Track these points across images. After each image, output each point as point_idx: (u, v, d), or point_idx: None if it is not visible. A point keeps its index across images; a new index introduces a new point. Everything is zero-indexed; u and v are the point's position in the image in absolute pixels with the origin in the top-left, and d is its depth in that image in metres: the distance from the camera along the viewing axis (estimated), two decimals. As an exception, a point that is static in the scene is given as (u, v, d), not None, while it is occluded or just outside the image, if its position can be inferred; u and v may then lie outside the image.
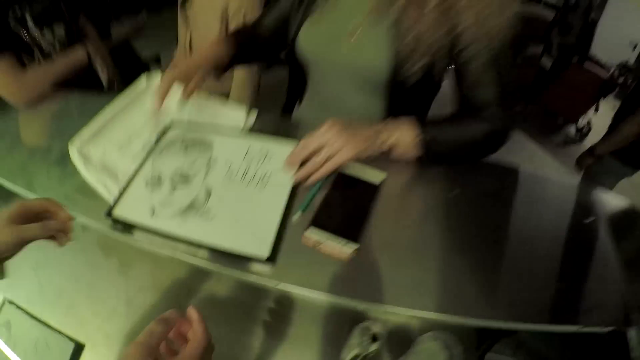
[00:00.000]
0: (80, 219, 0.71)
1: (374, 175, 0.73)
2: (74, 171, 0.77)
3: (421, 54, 0.70)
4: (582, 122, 4.04)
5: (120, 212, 0.67)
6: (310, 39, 0.85)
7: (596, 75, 3.89)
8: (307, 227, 0.62)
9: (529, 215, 0.76)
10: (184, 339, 0.46)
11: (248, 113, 0.88)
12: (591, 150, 2.10)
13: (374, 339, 0.66)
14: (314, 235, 0.61)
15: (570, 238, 0.72)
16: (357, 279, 0.59)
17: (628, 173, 2.07)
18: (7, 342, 0.75)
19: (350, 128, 0.70)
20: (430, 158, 0.76)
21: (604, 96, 3.91)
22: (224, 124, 0.86)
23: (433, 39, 0.69)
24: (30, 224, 0.55)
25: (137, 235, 0.66)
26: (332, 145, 0.67)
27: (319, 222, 0.63)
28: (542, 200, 0.82)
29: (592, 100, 3.95)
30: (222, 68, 0.90)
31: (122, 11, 2.31)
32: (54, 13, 1.37)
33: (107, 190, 0.71)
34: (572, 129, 4.15)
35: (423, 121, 0.75)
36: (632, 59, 4.07)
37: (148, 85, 0.93)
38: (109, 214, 0.67)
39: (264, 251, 0.60)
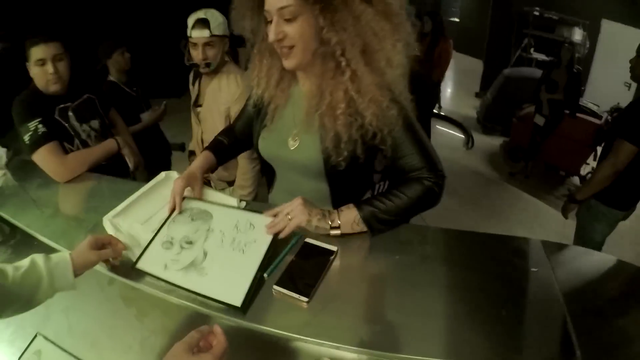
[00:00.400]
0: (107, 273, 0.95)
1: (330, 246, 0.95)
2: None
3: (342, 147, 0.94)
4: (584, 171, 4.09)
5: (141, 265, 0.92)
6: (265, 145, 1.11)
7: (590, 124, 3.98)
8: (274, 285, 0.84)
9: (471, 271, 0.92)
10: (210, 345, 0.65)
11: (239, 202, 1.14)
12: (571, 197, 2.12)
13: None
14: (278, 290, 0.84)
15: (510, 288, 0.87)
16: (314, 323, 0.79)
17: (619, 217, 2.05)
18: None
19: (309, 204, 0.97)
20: (375, 229, 0.97)
21: (600, 143, 3.86)
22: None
23: (348, 135, 0.93)
24: (103, 250, 0.87)
25: (151, 283, 0.91)
26: (293, 211, 0.95)
27: (281, 281, 0.85)
28: (483, 257, 0.98)
29: (589, 149, 4.01)
30: (214, 169, 1.24)
31: (148, 100, 2.67)
32: (91, 111, 1.71)
33: (131, 252, 0.96)
34: (576, 180, 4.20)
35: (364, 201, 0.97)
36: (627, 99, 4.14)
37: (166, 177, 1.22)
38: (133, 266, 0.92)
39: (238, 301, 0.81)
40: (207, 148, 1.22)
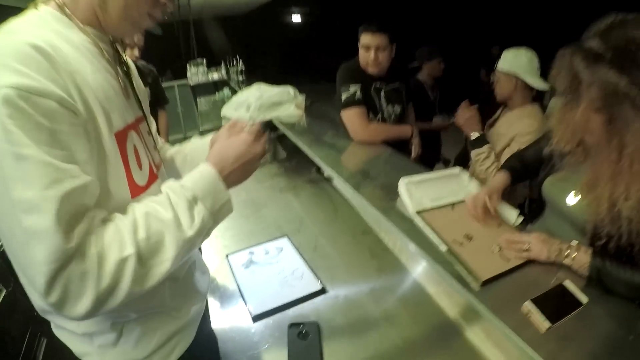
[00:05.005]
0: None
1: (583, 297, 0.97)
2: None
3: (602, 234, 0.99)
4: None
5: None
6: (549, 188, 1.24)
7: None
8: (527, 300, 0.94)
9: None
10: None
11: (518, 216, 1.25)
12: None
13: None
14: (529, 307, 0.93)
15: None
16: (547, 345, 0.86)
17: None
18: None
19: (549, 240, 1.06)
20: (593, 284, 0.98)
21: None
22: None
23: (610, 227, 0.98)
24: None
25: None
26: (532, 245, 1.06)
27: (537, 301, 0.94)
28: None
29: None
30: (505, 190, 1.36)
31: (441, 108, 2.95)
32: (397, 97, 2.05)
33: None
34: None
35: (603, 250, 0.98)
36: None
37: (459, 173, 1.44)
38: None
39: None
40: (504, 167, 1.38)
